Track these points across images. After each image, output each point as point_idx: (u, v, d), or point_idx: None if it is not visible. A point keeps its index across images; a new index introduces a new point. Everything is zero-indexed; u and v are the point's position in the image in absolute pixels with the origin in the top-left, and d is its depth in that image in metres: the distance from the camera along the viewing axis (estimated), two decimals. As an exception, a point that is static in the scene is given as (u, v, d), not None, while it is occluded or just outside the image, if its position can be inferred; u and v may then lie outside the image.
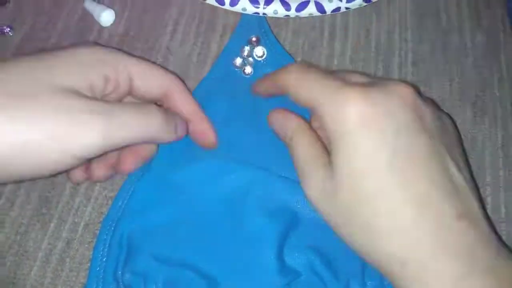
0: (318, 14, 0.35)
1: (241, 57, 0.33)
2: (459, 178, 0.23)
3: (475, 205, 0.23)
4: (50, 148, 0.22)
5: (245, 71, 0.33)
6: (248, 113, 0.31)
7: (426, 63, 0.35)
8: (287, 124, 0.27)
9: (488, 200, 0.30)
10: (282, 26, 0.36)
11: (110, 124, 0.23)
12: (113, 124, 0.24)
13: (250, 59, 0.33)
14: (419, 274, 0.21)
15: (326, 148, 0.25)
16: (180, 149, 0.30)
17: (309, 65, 0.26)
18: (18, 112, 0.22)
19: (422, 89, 0.33)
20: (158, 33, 0.36)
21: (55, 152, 0.22)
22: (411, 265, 0.21)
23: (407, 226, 0.21)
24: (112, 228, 0.28)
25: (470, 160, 0.31)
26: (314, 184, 0.24)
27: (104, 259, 0.27)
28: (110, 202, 0.30)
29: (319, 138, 0.26)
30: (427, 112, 0.24)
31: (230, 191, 0.29)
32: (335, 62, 0.35)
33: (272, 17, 0.36)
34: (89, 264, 0.29)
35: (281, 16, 0.35)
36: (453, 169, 0.23)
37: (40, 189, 0.31)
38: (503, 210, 0.30)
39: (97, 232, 0.29)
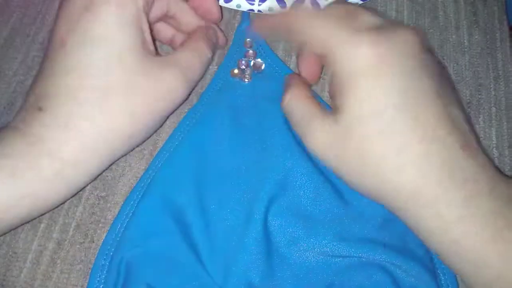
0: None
1: (239, 68, 0.33)
2: (458, 115, 0.25)
3: (472, 137, 0.25)
4: None
5: (244, 80, 0.32)
6: (251, 123, 0.31)
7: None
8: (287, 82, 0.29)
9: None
10: (277, 22, 0.35)
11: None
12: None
13: (248, 69, 0.33)
14: (429, 203, 0.23)
15: (320, 105, 0.27)
16: (182, 170, 0.29)
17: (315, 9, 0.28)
18: None
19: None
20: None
21: None
22: (421, 196, 0.23)
23: (416, 161, 0.23)
24: (111, 254, 0.27)
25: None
26: (320, 134, 0.25)
27: (101, 286, 0.26)
28: (101, 202, 0.30)
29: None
30: (430, 58, 0.25)
31: (232, 217, 0.28)
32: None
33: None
34: (80, 266, 0.28)
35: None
36: (452, 107, 0.25)
37: (29, 189, 0.30)
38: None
39: (89, 232, 0.29)
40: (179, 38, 0.32)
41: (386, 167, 0.24)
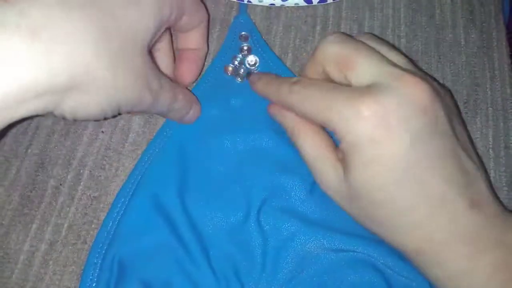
0: (304, 4, 0.34)
1: (233, 65, 0.32)
2: (469, 164, 0.24)
3: (483, 186, 0.24)
4: None
5: (237, 79, 0.32)
6: (242, 119, 0.30)
7: (419, 60, 0.34)
8: (287, 121, 0.27)
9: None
10: (273, 20, 0.35)
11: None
12: None
13: (243, 67, 0.32)
14: (433, 259, 0.23)
15: (332, 141, 0.26)
16: (171, 167, 0.29)
17: (306, 80, 0.26)
18: None
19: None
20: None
21: None
22: (426, 253, 0.23)
23: (422, 223, 0.23)
24: (103, 251, 0.27)
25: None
26: (329, 184, 0.25)
27: (93, 284, 0.26)
28: (94, 202, 0.29)
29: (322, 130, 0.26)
30: (440, 109, 0.23)
31: (221, 215, 0.28)
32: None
33: (263, 11, 0.35)
34: (73, 267, 0.28)
35: (266, 4, 0.34)
36: (464, 158, 0.24)
37: (21, 189, 0.30)
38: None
39: (82, 233, 0.29)
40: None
41: (391, 226, 0.24)
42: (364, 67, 0.23)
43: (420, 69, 0.30)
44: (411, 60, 0.26)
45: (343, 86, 0.24)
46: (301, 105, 0.25)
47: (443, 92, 0.25)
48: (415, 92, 0.22)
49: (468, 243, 0.23)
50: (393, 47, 0.29)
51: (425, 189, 0.22)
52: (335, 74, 0.25)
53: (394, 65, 0.24)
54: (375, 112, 0.22)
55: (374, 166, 0.22)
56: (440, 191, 0.23)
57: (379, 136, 0.22)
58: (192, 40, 0.30)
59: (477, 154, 0.26)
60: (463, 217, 0.23)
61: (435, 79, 0.30)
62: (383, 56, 0.24)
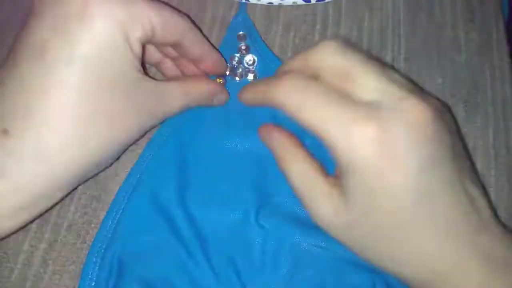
0: (303, 3, 0.34)
1: (231, 64, 0.32)
2: (475, 191, 0.23)
3: (488, 212, 0.23)
4: None
5: (235, 79, 0.32)
6: (241, 118, 0.30)
7: (419, 59, 0.34)
8: (274, 145, 0.26)
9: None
10: (273, 19, 0.35)
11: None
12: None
13: (241, 66, 0.32)
14: (444, 284, 0.22)
15: (322, 168, 0.24)
16: (169, 166, 0.29)
17: (305, 78, 0.23)
18: None
19: (414, 86, 0.33)
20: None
21: None
22: (434, 283, 0.22)
23: (430, 254, 0.22)
24: (102, 251, 0.27)
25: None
26: (322, 212, 0.23)
27: (93, 284, 0.26)
28: (94, 202, 0.29)
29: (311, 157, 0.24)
30: (446, 135, 0.22)
31: (219, 214, 0.28)
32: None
33: (263, 10, 0.35)
34: (72, 267, 0.28)
35: (264, 3, 0.34)
36: (469, 185, 0.23)
37: (20, 188, 0.29)
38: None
39: (81, 233, 0.29)
40: (168, 63, 0.30)
41: (397, 259, 0.22)
42: (368, 82, 0.22)
43: (420, 88, 0.29)
44: (410, 80, 0.25)
45: (346, 98, 0.21)
46: (297, 108, 0.22)
47: (444, 111, 0.24)
48: (421, 118, 0.21)
49: (478, 270, 0.22)
50: (392, 67, 0.28)
51: (432, 219, 0.21)
52: (331, 83, 0.23)
53: (399, 84, 0.22)
54: (380, 137, 0.20)
55: (377, 194, 0.21)
56: (449, 223, 0.22)
57: (385, 163, 0.20)
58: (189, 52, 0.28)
59: (479, 179, 0.26)
60: (470, 244, 0.22)
61: (428, 94, 0.29)
62: (387, 72, 0.23)
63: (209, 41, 0.30)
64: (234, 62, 0.32)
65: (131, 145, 0.27)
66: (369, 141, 0.20)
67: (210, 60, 0.29)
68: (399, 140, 0.20)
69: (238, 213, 0.28)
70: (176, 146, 0.29)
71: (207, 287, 0.26)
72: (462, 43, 0.35)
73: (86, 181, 0.27)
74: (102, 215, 0.29)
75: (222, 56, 0.31)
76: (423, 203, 0.21)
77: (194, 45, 0.27)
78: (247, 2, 0.34)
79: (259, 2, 0.34)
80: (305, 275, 0.27)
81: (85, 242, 0.28)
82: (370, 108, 0.21)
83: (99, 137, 0.23)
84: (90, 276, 0.26)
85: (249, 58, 0.32)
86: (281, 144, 0.25)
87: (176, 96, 0.27)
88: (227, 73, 0.32)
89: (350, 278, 0.27)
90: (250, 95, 0.27)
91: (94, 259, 0.27)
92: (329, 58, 0.23)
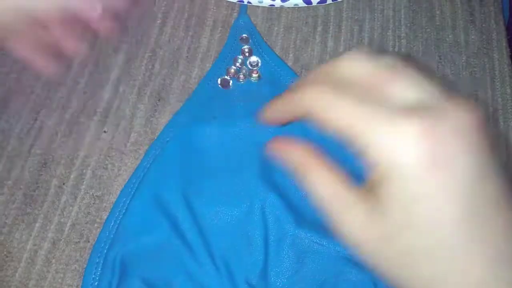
0: (304, 5, 0.35)
1: (234, 66, 0.32)
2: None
3: None
4: None
5: (239, 80, 0.32)
6: (243, 116, 0.30)
7: (419, 60, 0.34)
8: (293, 157, 0.23)
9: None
10: (274, 21, 0.35)
11: None
12: None
13: (244, 67, 0.32)
14: None
15: (346, 178, 0.21)
16: (172, 167, 0.29)
17: (333, 82, 0.20)
18: None
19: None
20: (146, 26, 0.35)
21: None
22: None
23: (476, 284, 0.19)
24: (105, 250, 0.27)
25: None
26: (353, 225, 0.20)
27: (96, 283, 0.27)
28: (97, 201, 0.29)
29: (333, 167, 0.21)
30: (488, 139, 0.19)
31: (219, 214, 0.28)
32: (327, 58, 0.34)
33: (264, 12, 0.35)
34: (75, 266, 0.28)
35: (266, 5, 0.34)
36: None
37: (24, 188, 0.30)
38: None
39: (84, 232, 0.29)
40: None
41: (439, 284, 0.19)
42: (405, 84, 0.19)
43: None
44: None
45: (380, 100, 0.19)
46: (327, 112, 0.20)
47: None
48: (474, 120, 0.18)
49: None
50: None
51: (482, 244, 0.19)
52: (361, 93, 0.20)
53: (438, 85, 0.20)
54: (427, 137, 0.18)
55: (421, 202, 0.18)
56: (498, 247, 0.19)
57: (430, 170, 0.18)
58: None
59: None
60: None
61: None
62: (422, 74, 0.20)
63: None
64: (238, 64, 0.32)
65: None
66: (413, 141, 0.18)
67: None
68: (447, 146, 0.18)
69: (243, 206, 0.28)
70: (179, 146, 0.30)
71: (209, 287, 0.27)
72: (462, 44, 0.35)
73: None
74: (104, 214, 0.29)
75: (224, 57, 0.32)
76: (467, 223, 0.19)
77: None
78: (248, 4, 0.34)
79: (260, 4, 0.34)
80: (306, 273, 0.27)
81: (88, 241, 0.28)
82: (412, 108, 0.18)
83: None
84: (93, 276, 0.27)
85: (253, 59, 0.32)
86: (300, 155, 0.22)
87: None
88: (231, 74, 0.32)
89: (351, 276, 0.27)
90: (274, 107, 0.24)
91: (97, 259, 0.27)
92: (358, 68, 0.21)
